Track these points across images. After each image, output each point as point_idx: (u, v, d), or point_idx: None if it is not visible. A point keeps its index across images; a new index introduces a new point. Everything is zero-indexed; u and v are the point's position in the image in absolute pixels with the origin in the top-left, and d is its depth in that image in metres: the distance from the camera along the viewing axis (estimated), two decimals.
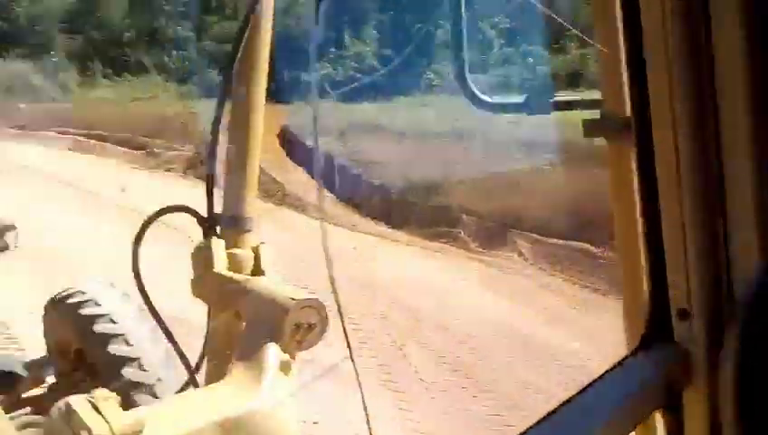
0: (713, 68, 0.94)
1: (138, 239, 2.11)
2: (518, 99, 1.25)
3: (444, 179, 10.11)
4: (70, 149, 15.43)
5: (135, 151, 13.92)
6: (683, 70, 0.96)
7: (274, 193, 11.50)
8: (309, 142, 14.38)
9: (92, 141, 15.44)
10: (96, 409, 1.41)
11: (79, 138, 15.92)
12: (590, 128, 1.13)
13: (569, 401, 0.87)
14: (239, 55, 2.19)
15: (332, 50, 25.73)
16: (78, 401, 1.43)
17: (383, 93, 15.11)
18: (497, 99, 1.32)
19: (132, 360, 3.53)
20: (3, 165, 13.55)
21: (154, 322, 3.68)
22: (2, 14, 37.60)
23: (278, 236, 9.35)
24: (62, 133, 16.57)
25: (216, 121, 2.22)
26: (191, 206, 2.18)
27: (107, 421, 1.38)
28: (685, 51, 0.95)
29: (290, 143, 14.89)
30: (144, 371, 3.37)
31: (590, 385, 0.93)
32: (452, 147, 10.85)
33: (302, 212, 10.62)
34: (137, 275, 2.16)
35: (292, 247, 8.87)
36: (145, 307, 3.70)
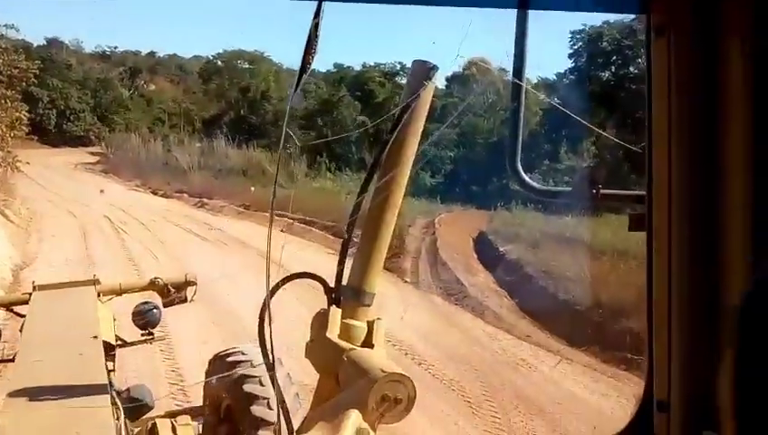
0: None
1: (266, 303, 2.15)
2: (566, 188, 1.27)
3: (636, 301, 9.51)
4: (282, 231, 16.84)
5: (336, 238, 14.85)
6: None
7: (456, 293, 11.57)
8: (502, 248, 14.50)
9: (303, 226, 16.69)
10: (174, 431, 1.56)
11: (293, 221, 17.32)
12: (635, 223, 1.12)
13: None
14: (390, 145, 2.32)
15: (546, 162, 26.14)
16: (162, 422, 1.59)
17: (589, 209, 14.79)
18: (546, 187, 1.34)
19: (269, 424, 3.69)
20: (222, 238, 15.21)
21: (297, 389, 3.87)
22: (254, 112, 43.12)
23: (447, 339, 9.39)
24: (280, 215, 18.16)
25: (359, 200, 2.34)
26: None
27: None
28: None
29: (483, 248, 15.08)
30: None
31: None
32: None
33: (479, 316, 10.50)
34: (261, 339, 2.18)
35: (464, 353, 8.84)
36: (291, 374, 3.92)
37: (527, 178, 1.30)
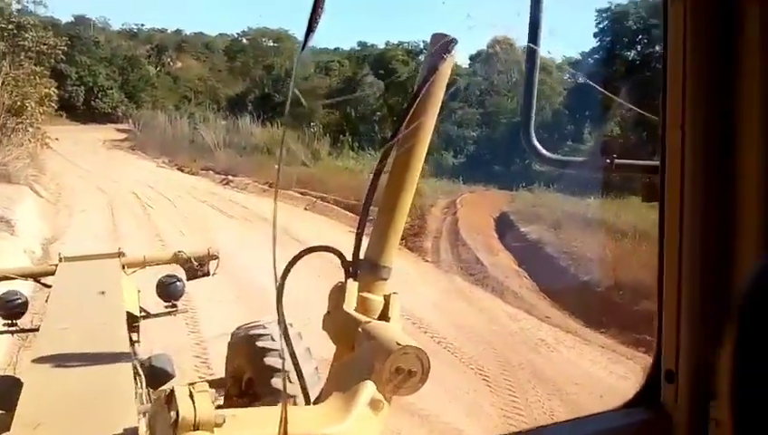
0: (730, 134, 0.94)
1: (283, 276, 2.15)
2: (579, 158, 1.27)
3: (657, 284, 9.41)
4: (305, 209, 16.92)
5: (357, 216, 14.80)
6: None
7: (476, 273, 11.57)
8: (523, 229, 14.44)
9: (326, 204, 16.76)
10: (191, 397, 1.62)
11: (315, 200, 17.41)
12: (648, 194, 1.12)
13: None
14: (408, 118, 2.30)
15: (569, 142, 25.88)
16: (180, 389, 1.64)
17: (613, 190, 14.63)
18: (559, 156, 1.34)
19: (290, 397, 3.74)
20: (247, 215, 15.32)
21: (316, 363, 3.91)
22: (279, 90, 43.14)
23: (466, 318, 9.41)
24: (303, 193, 18.25)
25: (377, 174, 2.33)
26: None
27: (195, 408, 1.57)
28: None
29: (504, 228, 15.04)
30: None
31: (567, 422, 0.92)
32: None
33: (499, 296, 10.51)
34: (279, 312, 2.16)
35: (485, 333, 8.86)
36: (310, 349, 3.96)
37: (539, 147, 1.30)
